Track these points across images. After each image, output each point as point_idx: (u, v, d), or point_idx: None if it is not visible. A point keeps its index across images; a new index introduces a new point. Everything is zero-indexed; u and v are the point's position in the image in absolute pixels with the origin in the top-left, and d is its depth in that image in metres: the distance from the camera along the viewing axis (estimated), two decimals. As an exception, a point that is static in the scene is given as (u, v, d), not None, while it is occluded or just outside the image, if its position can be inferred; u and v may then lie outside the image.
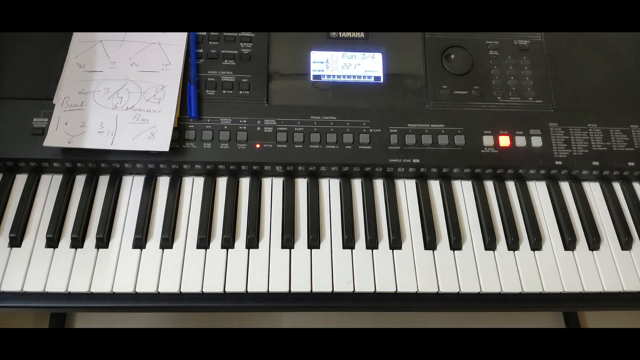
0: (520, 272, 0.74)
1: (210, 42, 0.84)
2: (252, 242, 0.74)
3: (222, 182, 0.80)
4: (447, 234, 0.77)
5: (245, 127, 0.79)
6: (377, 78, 0.84)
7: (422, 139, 0.80)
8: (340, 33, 0.87)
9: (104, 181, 0.78)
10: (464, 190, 0.82)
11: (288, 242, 0.74)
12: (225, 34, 0.85)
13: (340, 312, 1.34)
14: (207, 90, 0.81)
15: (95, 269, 0.71)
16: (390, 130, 0.80)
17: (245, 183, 0.80)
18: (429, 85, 0.84)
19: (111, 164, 0.77)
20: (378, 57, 0.85)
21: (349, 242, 0.75)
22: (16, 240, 0.72)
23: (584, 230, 0.79)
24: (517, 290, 0.73)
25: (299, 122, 0.80)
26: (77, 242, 0.73)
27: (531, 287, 0.73)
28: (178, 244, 0.74)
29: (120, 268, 0.71)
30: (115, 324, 1.30)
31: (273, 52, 0.84)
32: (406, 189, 0.81)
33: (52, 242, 0.72)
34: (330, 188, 0.80)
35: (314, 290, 0.71)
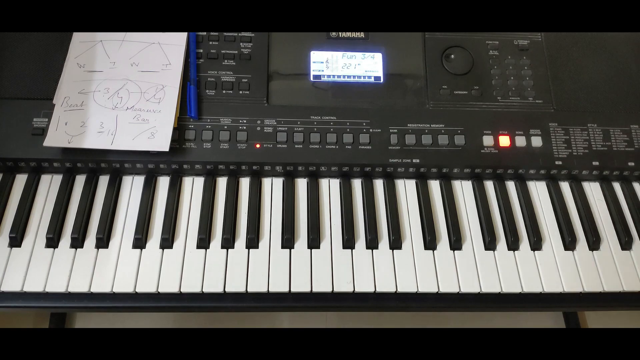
0: (520, 272, 0.74)
1: (210, 42, 0.84)
2: (252, 242, 0.74)
3: (222, 182, 0.80)
4: (447, 234, 0.77)
5: (245, 127, 0.79)
6: (377, 78, 0.84)
7: (422, 139, 0.80)
8: (340, 33, 0.87)
9: (104, 181, 0.78)
10: (464, 190, 0.82)
11: (288, 242, 0.74)
12: (225, 34, 0.85)
13: (340, 312, 1.34)
14: (207, 90, 0.81)
15: (95, 269, 0.71)
16: (390, 130, 0.80)
17: (245, 183, 0.80)
18: (429, 85, 0.84)
19: (111, 164, 0.77)
20: (378, 57, 0.85)
21: (349, 242, 0.75)
22: (16, 240, 0.72)
23: (584, 230, 0.79)
24: (517, 290, 0.73)
25: (299, 122, 0.80)
26: (77, 242, 0.73)
27: (531, 287, 0.73)
28: (178, 244, 0.74)
29: (120, 268, 0.71)
30: (115, 324, 1.30)
31: (273, 52, 0.84)
32: (406, 189, 0.81)
33: (52, 242, 0.72)
34: (330, 188, 0.80)
35: (314, 290, 0.71)
